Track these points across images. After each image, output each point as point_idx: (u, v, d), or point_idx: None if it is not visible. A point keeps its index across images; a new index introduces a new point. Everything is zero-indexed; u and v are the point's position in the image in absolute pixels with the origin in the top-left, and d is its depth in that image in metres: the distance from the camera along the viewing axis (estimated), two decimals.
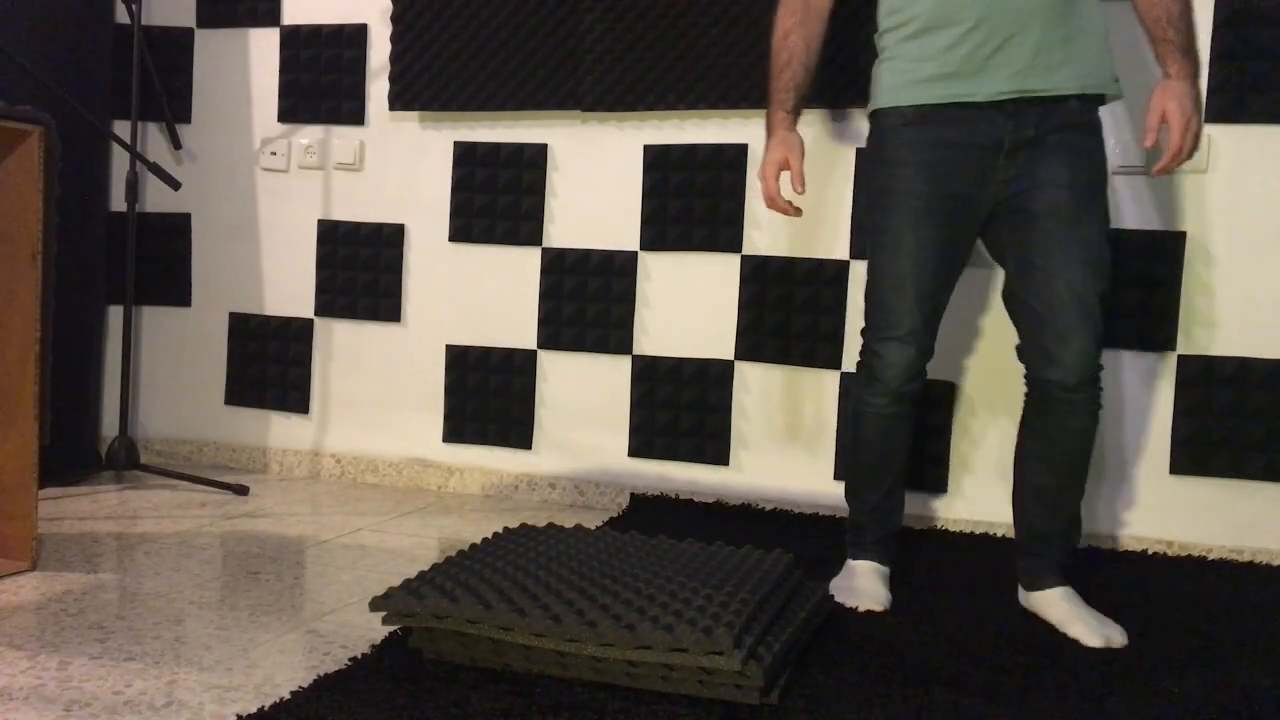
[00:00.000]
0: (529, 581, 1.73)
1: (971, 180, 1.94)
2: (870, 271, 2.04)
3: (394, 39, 2.99)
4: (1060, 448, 1.95)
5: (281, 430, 3.21)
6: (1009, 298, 1.98)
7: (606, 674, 1.57)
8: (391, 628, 1.78)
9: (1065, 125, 1.90)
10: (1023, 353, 1.97)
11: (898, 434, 2.05)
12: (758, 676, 1.50)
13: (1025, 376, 1.98)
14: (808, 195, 2.71)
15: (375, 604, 1.68)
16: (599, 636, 1.54)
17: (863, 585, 2.05)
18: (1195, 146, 1.87)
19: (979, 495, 2.64)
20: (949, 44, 1.90)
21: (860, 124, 2.66)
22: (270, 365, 3.20)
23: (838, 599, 2.02)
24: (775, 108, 2.11)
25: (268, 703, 1.49)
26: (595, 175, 2.89)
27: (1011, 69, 1.88)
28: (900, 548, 2.45)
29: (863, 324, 2.07)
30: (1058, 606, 1.93)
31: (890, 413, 2.02)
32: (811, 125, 2.70)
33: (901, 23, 1.96)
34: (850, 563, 2.13)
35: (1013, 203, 1.93)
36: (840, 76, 2.63)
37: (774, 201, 2.09)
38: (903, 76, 1.96)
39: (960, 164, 1.93)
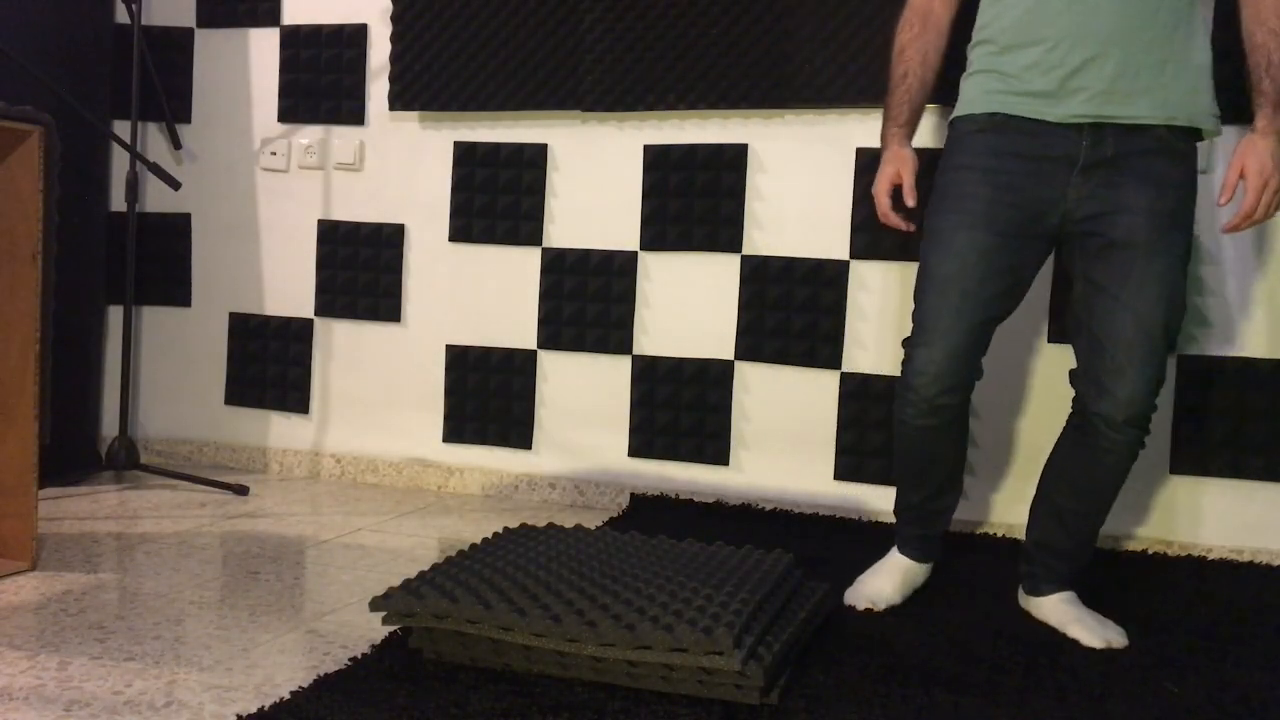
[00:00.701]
0: (529, 581, 1.73)
1: (1039, 192, 1.85)
2: (918, 276, 1.96)
3: (394, 39, 2.99)
4: (1092, 479, 1.90)
5: (281, 430, 3.21)
6: (1072, 321, 1.91)
7: (606, 674, 1.57)
8: (391, 628, 1.78)
9: (1149, 151, 1.81)
10: (1076, 379, 1.90)
11: (936, 445, 1.97)
12: (758, 676, 1.50)
13: (1073, 401, 1.92)
14: (809, 195, 2.71)
15: (375, 604, 1.68)
16: (599, 636, 1.54)
17: (870, 583, 2.05)
18: (1277, 207, 1.78)
19: (979, 495, 2.64)
20: (1029, 62, 1.84)
21: (860, 124, 2.66)
22: (270, 365, 3.20)
23: (846, 592, 2.04)
24: (889, 123, 2.04)
25: (268, 703, 1.49)
26: (595, 175, 2.89)
27: (1089, 92, 1.80)
28: None
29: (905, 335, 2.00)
30: (1058, 610, 1.93)
31: (924, 424, 1.93)
32: (812, 125, 2.70)
33: (988, 38, 1.90)
34: (889, 553, 2.12)
35: (1088, 225, 1.84)
36: (840, 76, 2.63)
37: (887, 217, 2.04)
38: (982, 88, 1.91)
39: (1028, 175, 1.85)
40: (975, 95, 1.92)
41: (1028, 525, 2.03)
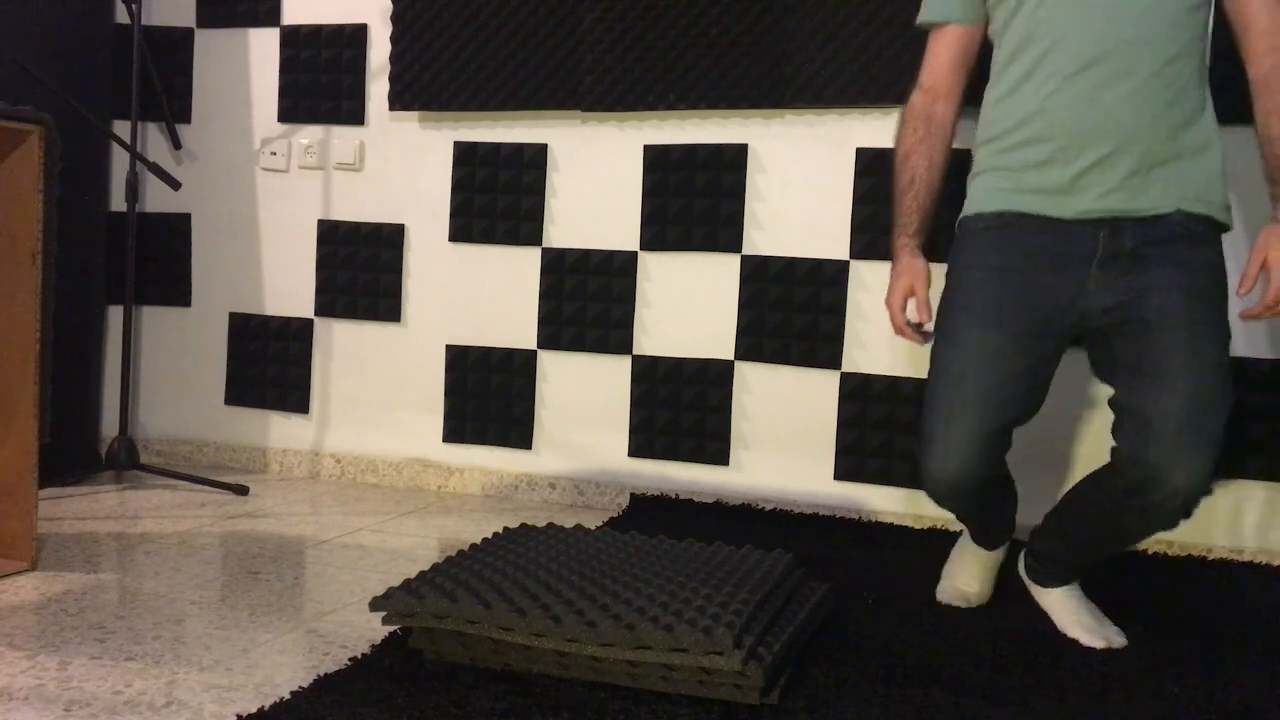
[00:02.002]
0: (529, 581, 1.73)
1: (1054, 291, 1.78)
2: (929, 374, 1.87)
3: (394, 39, 2.99)
4: (1122, 534, 1.82)
5: (281, 430, 3.21)
6: (1117, 413, 1.76)
7: (606, 674, 1.57)
8: (391, 628, 1.78)
9: (1170, 238, 1.74)
10: (1121, 471, 1.74)
11: (968, 506, 1.91)
12: (758, 677, 1.50)
13: (1115, 463, 1.76)
14: (809, 195, 2.71)
15: (375, 604, 1.68)
16: (599, 636, 1.54)
17: (959, 578, 2.07)
18: None
19: None
20: (1039, 160, 1.79)
21: (860, 124, 2.66)
22: (270, 365, 3.20)
23: (938, 588, 2.08)
24: (899, 231, 1.96)
25: (268, 703, 1.49)
26: (595, 175, 2.89)
27: (1101, 189, 1.75)
28: (900, 548, 2.45)
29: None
30: (1060, 606, 1.93)
31: (948, 496, 1.85)
32: (812, 125, 2.70)
33: (995, 135, 1.86)
34: (964, 541, 2.10)
35: (1115, 314, 1.75)
36: (840, 76, 2.63)
37: (902, 331, 1.93)
38: (991, 187, 1.86)
39: (1041, 272, 1.79)
40: (983, 194, 1.87)
41: (1038, 531, 1.99)
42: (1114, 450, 1.76)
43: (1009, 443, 1.84)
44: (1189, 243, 1.75)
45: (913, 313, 1.98)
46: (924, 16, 1.99)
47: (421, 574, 1.79)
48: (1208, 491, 1.69)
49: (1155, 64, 1.73)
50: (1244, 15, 1.77)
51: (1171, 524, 1.73)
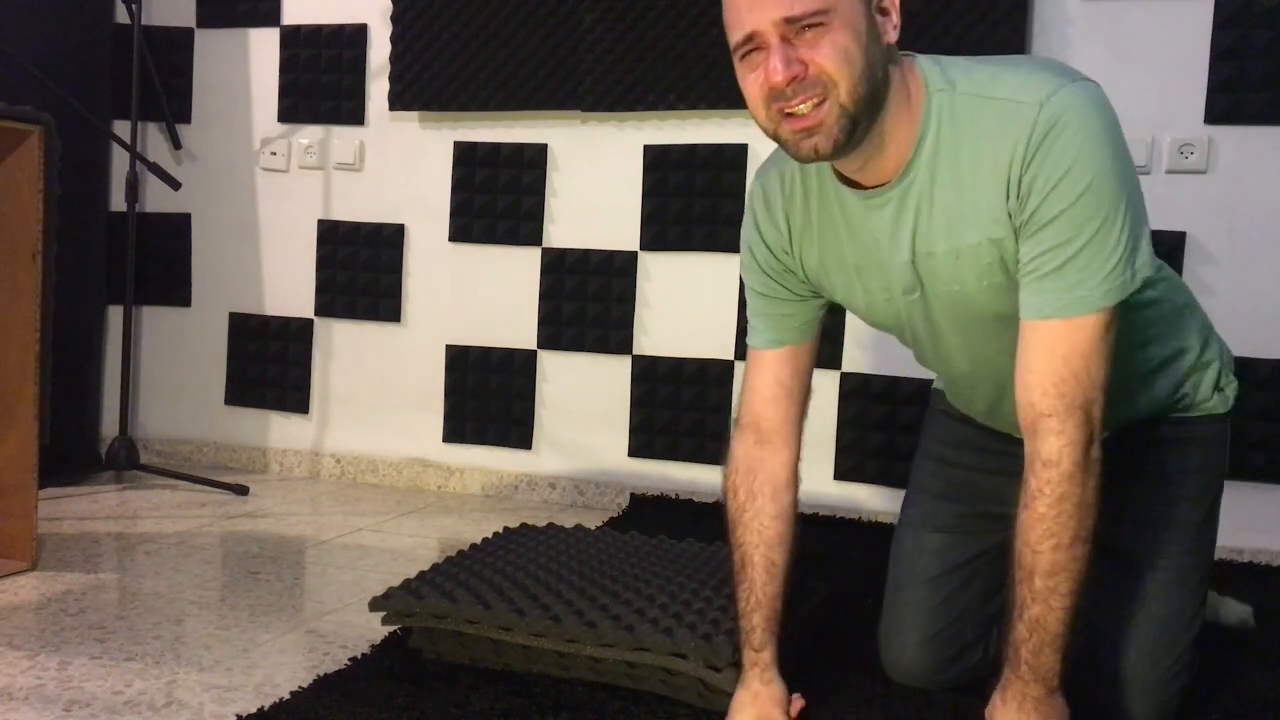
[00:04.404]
0: (529, 581, 1.73)
1: (998, 491, 1.48)
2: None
3: (394, 39, 2.99)
4: None
5: (281, 430, 3.21)
6: None
7: (606, 674, 1.57)
8: (391, 628, 1.78)
9: (1145, 443, 1.49)
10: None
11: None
12: None
13: None
14: None
15: (375, 604, 1.68)
16: (598, 637, 1.54)
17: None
18: None
19: None
20: (956, 396, 1.63)
21: None
22: (270, 365, 3.20)
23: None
24: (743, 642, 1.46)
25: (268, 703, 1.49)
26: (595, 175, 2.89)
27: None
28: None
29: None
30: None
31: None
32: None
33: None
34: None
35: None
36: None
37: None
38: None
39: (986, 472, 1.60)
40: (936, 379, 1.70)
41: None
42: None
43: (978, 625, 1.62)
44: (1160, 446, 1.51)
45: None
46: (753, 341, 1.51)
47: (421, 574, 1.79)
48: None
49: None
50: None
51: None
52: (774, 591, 1.46)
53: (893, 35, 1.26)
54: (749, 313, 1.51)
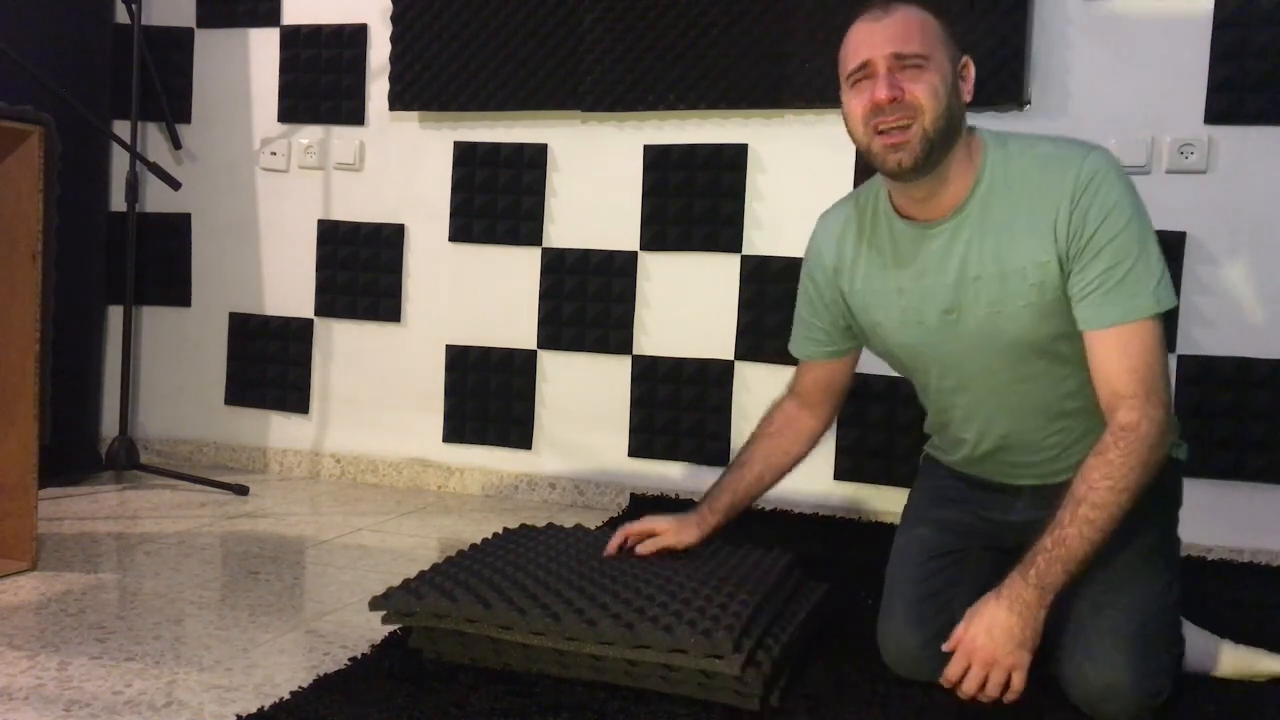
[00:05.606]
0: (529, 581, 1.73)
1: (988, 514, 1.76)
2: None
3: (394, 39, 2.99)
4: None
5: (281, 430, 3.21)
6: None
7: (606, 673, 1.57)
8: (391, 627, 1.78)
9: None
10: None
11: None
12: (757, 684, 1.49)
13: None
14: (809, 195, 2.71)
15: (375, 604, 1.68)
16: (598, 635, 1.54)
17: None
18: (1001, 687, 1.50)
19: None
20: (947, 447, 1.81)
21: None
22: (270, 365, 3.20)
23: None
24: (705, 497, 1.87)
25: (268, 703, 1.49)
26: (595, 175, 2.89)
27: (1013, 474, 1.73)
28: None
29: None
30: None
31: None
32: (811, 125, 2.70)
33: (926, 412, 1.83)
34: None
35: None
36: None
37: (612, 550, 1.87)
38: (931, 441, 1.89)
39: (977, 502, 1.78)
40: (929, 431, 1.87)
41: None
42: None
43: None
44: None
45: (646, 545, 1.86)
46: (791, 347, 1.88)
47: (421, 574, 1.79)
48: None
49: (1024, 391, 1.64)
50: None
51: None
52: (745, 493, 1.85)
53: (967, 96, 1.57)
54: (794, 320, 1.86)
